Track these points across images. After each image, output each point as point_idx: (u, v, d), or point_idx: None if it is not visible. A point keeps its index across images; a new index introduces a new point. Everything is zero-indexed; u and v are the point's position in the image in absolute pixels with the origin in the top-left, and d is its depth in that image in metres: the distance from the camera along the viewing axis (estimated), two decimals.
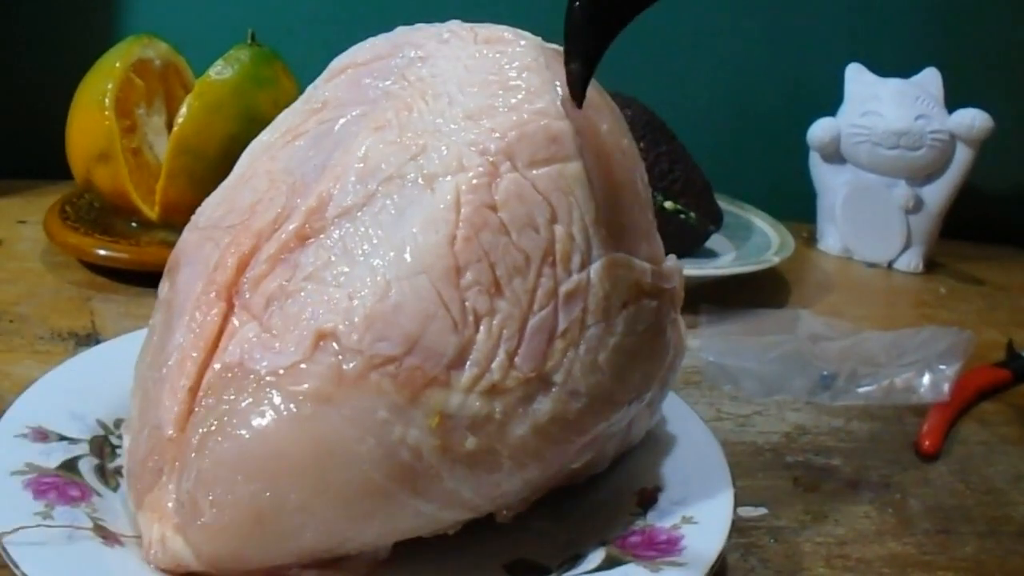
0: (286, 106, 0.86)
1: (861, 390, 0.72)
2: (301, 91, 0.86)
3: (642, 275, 0.43)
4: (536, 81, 0.42)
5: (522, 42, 0.45)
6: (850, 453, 0.66)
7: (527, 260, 0.40)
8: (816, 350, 0.76)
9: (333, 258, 0.41)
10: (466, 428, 0.39)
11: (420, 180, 0.41)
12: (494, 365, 0.39)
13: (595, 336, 0.41)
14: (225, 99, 0.80)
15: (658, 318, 0.44)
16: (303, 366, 0.39)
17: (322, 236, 0.42)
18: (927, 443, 0.67)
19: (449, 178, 0.40)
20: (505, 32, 0.45)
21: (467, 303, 0.39)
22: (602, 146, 0.43)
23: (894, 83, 1.08)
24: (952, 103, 1.08)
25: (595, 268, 0.41)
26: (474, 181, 0.40)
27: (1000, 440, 0.71)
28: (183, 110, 0.79)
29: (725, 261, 0.95)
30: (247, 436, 0.39)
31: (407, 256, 0.39)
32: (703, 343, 0.77)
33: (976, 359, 0.79)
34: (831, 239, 1.13)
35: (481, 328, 0.39)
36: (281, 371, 0.39)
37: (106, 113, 0.81)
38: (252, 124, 0.79)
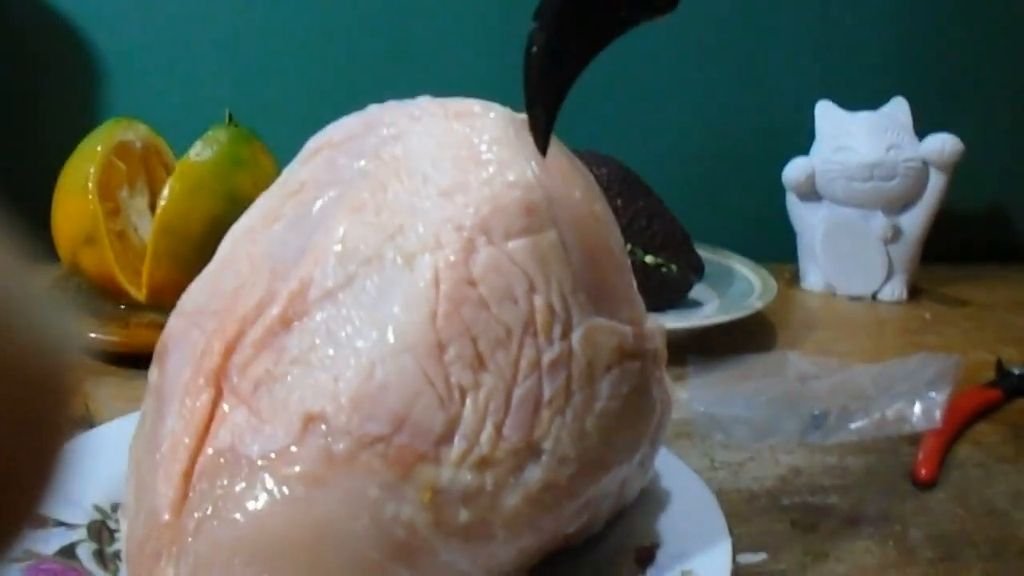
0: (265, 185, 0.87)
1: (853, 426, 0.72)
2: (280, 169, 0.88)
3: (623, 338, 0.43)
4: (507, 153, 0.43)
5: (491, 114, 0.45)
6: (846, 489, 0.66)
7: (508, 332, 0.40)
8: (805, 390, 0.77)
9: (317, 341, 0.41)
10: (459, 501, 0.39)
11: (399, 260, 0.41)
12: (482, 438, 0.39)
13: (581, 402, 0.41)
14: (205, 180, 0.81)
15: (642, 379, 0.44)
16: (293, 449, 0.39)
17: (305, 319, 0.42)
18: (923, 471, 0.67)
19: (427, 256, 0.41)
20: (475, 106, 0.46)
21: (452, 378, 0.39)
22: (576, 213, 0.43)
23: (863, 116, 1.10)
24: (921, 129, 1.09)
25: (576, 335, 0.41)
26: (451, 257, 0.40)
27: (997, 460, 0.72)
28: (165, 192, 0.80)
29: (709, 310, 0.95)
30: (242, 520, 0.39)
31: (390, 336, 0.40)
32: (692, 394, 0.77)
33: (966, 381, 0.79)
34: (813, 277, 1.14)
35: (467, 402, 0.39)
36: (272, 455, 0.40)
37: (89, 197, 0.82)
38: (233, 204, 0.80)
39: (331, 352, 0.40)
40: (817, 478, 0.67)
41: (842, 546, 0.59)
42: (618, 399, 0.43)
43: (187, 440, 0.42)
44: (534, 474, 0.41)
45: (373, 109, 0.49)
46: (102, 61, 1.14)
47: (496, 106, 0.46)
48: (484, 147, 0.43)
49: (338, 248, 0.43)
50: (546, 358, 0.40)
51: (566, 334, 0.41)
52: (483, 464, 0.39)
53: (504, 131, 0.44)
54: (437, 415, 0.39)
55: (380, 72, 1.19)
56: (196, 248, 0.78)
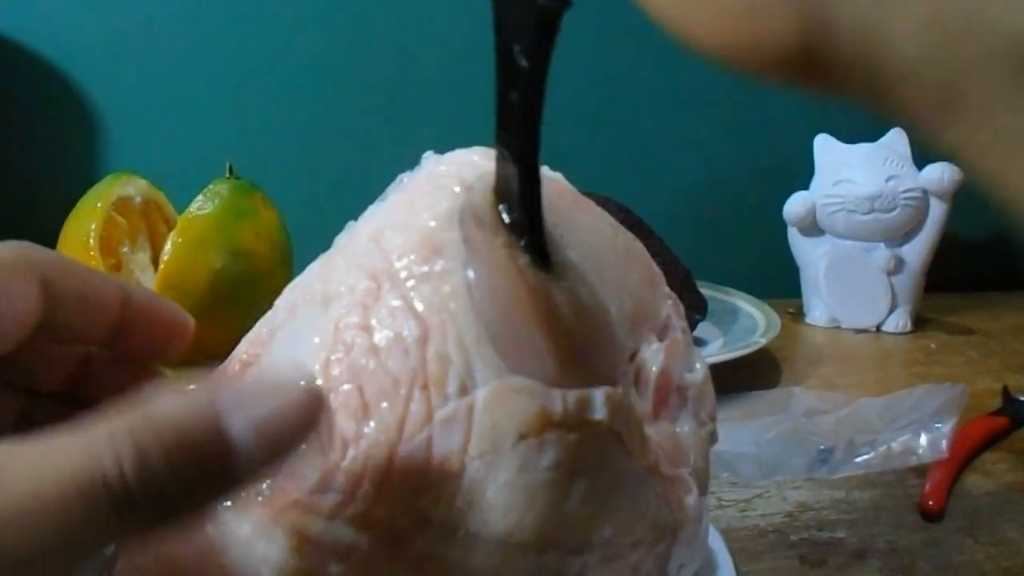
0: (268, 236, 0.87)
1: (859, 459, 0.72)
2: (281, 221, 0.88)
3: (548, 403, 0.36)
4: (442, 197, 0.40)
5: (474, 157, 0.43)
6: (854, 524, 0.66)
7: (395, 384, 0.36)
8: (811, 425, 0.76)
9: (250, 380, 0.40)
10: (330, 554, 0.36)
11: (319, 301, 0.40)
12: (359, 494, 0.36)
13: (480, 468, 0.36)
14: (208, 234, 0.81)
15: (582, 456, 0.37)
16: None
17: (255, 359, 0.41)
18: (931, 503, 0.67)
19: (339, 300, 0.39)
20: (474, 155, 0.44)
21: (335, 427, 0.36)
22: (507, 263, 0.38)
23: (862, 148, 1.10)
24: (921, 159, 1.09)
25: (482, 394, 0.36)
26: (356, 302, 0.39)
27: (1005, 489, 0.71)
28: (167, 247, 0.81)
29: (713, 348, 0.95)
30: None
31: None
32: None
33: (973, 410, 0.79)
34: (818, 311, 1.14)
35: (348, 454, 0.36)
36: None
37: (91, 253, 0.82)
38: (235, 257, 0.80)
39: None
40: (824, 513, 0.67)
41: None
42: (534, 472, 0.36)
43: None
44: (416, 543, 0.36)
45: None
46: (100, 117, 1.15)
47: (489, 158, 0.43)
48: (430, 190, 0.41)
49: (300, 287, 0.42)
50: (438, 415, 0.36)
51: (466, 390, 0.36)
52: (358, 521, 0.36)
53: (465, 176, 0.41)
54: (315, 462, 0.36)
55: (379, 122, 1.19)
56: (199, 302, 0.78)
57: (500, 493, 0.36)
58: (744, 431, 0.76)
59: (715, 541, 0.53)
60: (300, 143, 1.17)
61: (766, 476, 0.71)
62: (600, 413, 0.37)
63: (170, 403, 0.29)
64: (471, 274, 0.37)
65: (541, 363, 0.37)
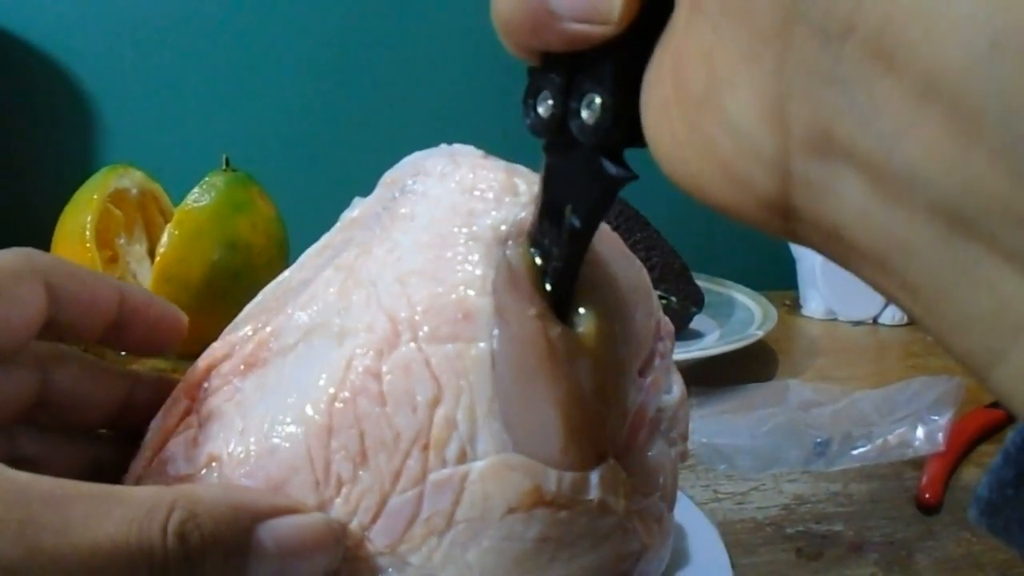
0: (264, 229, 0.87)
1: (856, 452, 0.72)
2: (278, 213, 0.87)
3: (543, 482, 0.37)
4: (476, 250, 0.39)
5: (506, 199, 0.40)
6: (851, 516, 0.66)
7: (397, 438, 0.37)
8: (808, 418, 0.76)
9: (255, 390, 0.40)
10: None
11: (336, 333, 0.39)
12: (348, 530, 0.37)
13: (466, 532, 0.37)
14: (204, 226, 0.81)
15: (569, 531, 0.38)
16: (196, 480, 0.39)
17: (260, 367, 0.41)
18: (928, 495, 0.67)
19: (355, 336, 0.38)
20: (494, 183, 0.41)
21: (332, 466, 0.37)
22: (531, 335, 0.37)
23: None
24: None
25: (479, 466, 0.36)
26: (372, 345, 0.38)
27: None
28: (164, 239, 0.80)
29: (710, 341, 0.95)
30: None
31: (295, 404, 0.38)
32: (694, 426, 0.75)
33: (969, 402, 0.79)
34: (814, 303, 1.14)
35: (342, 493, 0.37)
36: (181, 479, 0.39)
37: (87, 245, 0.82)
38: (232, 249, 0.80)
39: (255, 403, 0.39)
40: (821, 506, 0.67)
41: (848, 573, 0.59)
42: (518, 543, 0.37)
43: (153, 439, 0.42)
44: None
45: (437, 149, 0.45)
46: (97, 108, 1.15)
47: (524, 186, 0.41)
48: (462, 239, 0.39)
49: (312, 305, 0.41)
50: (433, 477, 0.36)
51: (465, 458, 0.36)
52: (344, 555, 0.37)
53: (501, 223, 0.40)
54: (309, 495, 0.37)
55: (376, 114, 1.19)
56: (195, 294, 0.78)
57: (481, 557, 0.37)
58: (741, 424, 0.75)
59: (711, 535, 0.53)
60: (297, 135, 1.17)
61: (763, 469, 0.71)
62: (593, 493, 0.38)
63: (215, 496, 0.33)
64: (498, 345, 0.37)
65: (547, 443, 0.37)
